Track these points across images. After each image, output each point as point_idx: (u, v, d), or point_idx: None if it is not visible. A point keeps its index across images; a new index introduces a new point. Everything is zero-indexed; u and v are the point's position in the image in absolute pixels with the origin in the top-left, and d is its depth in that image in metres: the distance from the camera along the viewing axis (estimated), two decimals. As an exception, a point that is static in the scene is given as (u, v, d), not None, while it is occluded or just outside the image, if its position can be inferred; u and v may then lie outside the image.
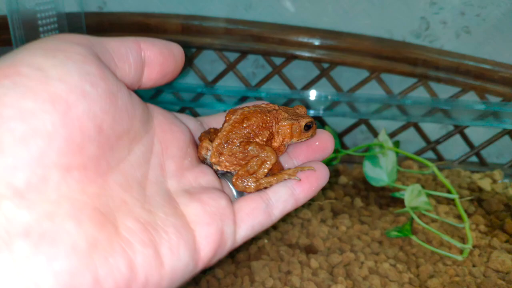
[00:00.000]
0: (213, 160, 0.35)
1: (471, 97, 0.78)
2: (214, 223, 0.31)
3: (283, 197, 0.34)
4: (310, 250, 0.56)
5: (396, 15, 0.77)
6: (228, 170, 0.36)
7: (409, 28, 0.78)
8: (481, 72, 0.75)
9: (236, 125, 0.35)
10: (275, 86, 0.83)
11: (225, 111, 0.39)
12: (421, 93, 0.79)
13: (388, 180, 0.68)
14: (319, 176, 0.36)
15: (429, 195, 0.67)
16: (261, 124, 0.36)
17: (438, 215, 0.64)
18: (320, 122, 0.83)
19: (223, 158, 0.35)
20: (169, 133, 0.33)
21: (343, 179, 0.73)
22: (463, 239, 0.59)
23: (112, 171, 0.27)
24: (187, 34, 0.79)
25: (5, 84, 0.23)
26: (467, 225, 0.59)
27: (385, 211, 0.65)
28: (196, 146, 0.36)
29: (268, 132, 0.36)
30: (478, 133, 0.81)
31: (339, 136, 0.84)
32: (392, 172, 0.68)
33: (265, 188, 0.35)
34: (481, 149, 0.81)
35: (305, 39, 0.77)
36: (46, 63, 0.25)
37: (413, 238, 0.58)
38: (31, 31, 0.71)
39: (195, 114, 0.86)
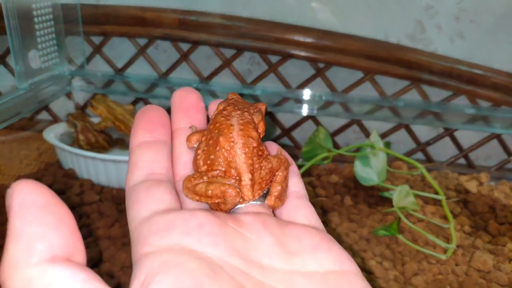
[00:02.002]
0: (251, 197, 0.30)
1: (462, 101, 0.80)
2: (331, 243, 0.30)
3: (299, 184, 0.35)
4: (299, 246, 0.58)
5: (392, 17, 0.78)
6: (258, 195, 0.32)
7: (404, 31, 0.79)
8: (473, 77, 0.77)
9: (246, 149, 0.31)
10: (270, 84, 0.84)
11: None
12: (413, 95, 0.80)
13: (378, 180, 0.69)
14: (283, 149, 0.36)
15: (417, 196, 0.69)
16: (256, 133, 0.32)
17: (425, 215, 0.65)
18: (313, 122, 0.84)
19: (255, 188, 0.31)
20: (215, 240, 0.26)
21: (334, 178, 0.74)
22: (447, 239, 0.61)
23: None
24: (184, 28, 0.80)
25: None
26: (452, 225, 0.61)
27: (374, 210, 0.66)
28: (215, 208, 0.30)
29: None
30: (467, 136, 0.83)
31: (332, 136, 0.85)
32: (382, 172, 0.69)
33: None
34: (469, 151, 0.83)
35: (301, 38, 0.78)
36: None
37: (400, 237, 0.59)
38: (26, 21, 0.71)
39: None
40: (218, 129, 0.31)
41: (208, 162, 0.31)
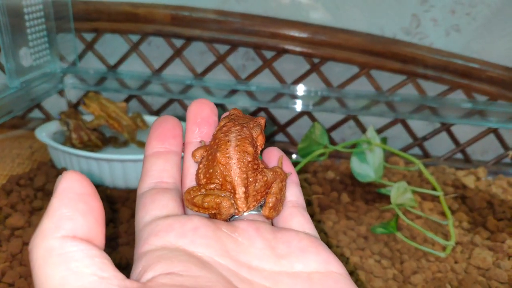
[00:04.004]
0: (245, 208, 0.33)
1: (458, 95, 0.79)
2: (320, 247, 0.31)
3: (297, 192, 0.36)
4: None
5: (388, 11, 0.77)
6: (255, 207, 0.34)
7: (400, 25, 0.78)
8: (469, 71, 0.76)
9: (241, 163, 0.33)
10: (265, 79, 0.83)
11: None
12: (409, 90, 0.80)
13: (375, 176, 0.68)
14: (285, 157, 0.37)
15: (414, 192, 0.68)
16: (254, 148, 0.34)
17: (423, 212, 0.65)
18: (309, 117, 0.84)
19: (249, 200, 0.33)
20: (208, 240, 0.29)
21: (330, 174, 0.74)
22: (446, 236, 0.60)
23: None
24: (176, 24, 0.79)
25: None
26: (451, 222, 0.60)
27: (371, 207, 0.66)
28: (212, 216, 0.32)
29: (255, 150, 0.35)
30: (464, 131, 0.82)
31: (328, 131, 0.84)
32: (378, 168, 0.69)
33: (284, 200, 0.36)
34: (466, 146, 0.82)
35: (296, 34, 0.77)
36: None
37: (398, 234, 0.59)
38: (16, 19, 0.70)
39: (184, 106, 0.86)
40: (217, 145, 0.33)
41: (207, 175, 0.33)
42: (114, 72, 0.85)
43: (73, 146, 0.73)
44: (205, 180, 0.33)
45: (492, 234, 0.61)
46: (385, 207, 0.65)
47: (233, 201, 0.32)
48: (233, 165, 0.33)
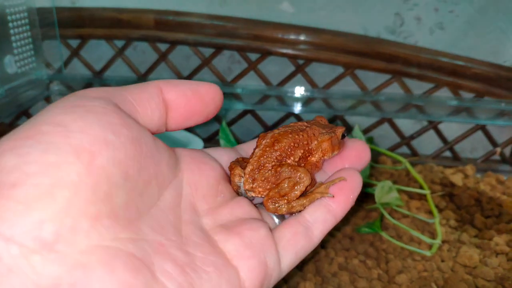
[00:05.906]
0: (247, 186, 0.34)
1: (444, 93, 0.79)
2: (256, 255, 0.30)
3: (320, 217, 0.34)
4: (281, 247, 0.56)
5: (371, 11, 0.77)
6: (263, 196, 0.35)
7: (383, 24, 0.78)
8: (455, 69, 0.76)
9: (267, 149, 0.35)
10: (251, 81, 0.83)
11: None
12: (395, 89, 0.79)
13: (361, 175, 0.68)
14: (352, 186, 0.35)
15: (401, 191, 0.68)
16: (292, 144, 0.35)
17: (410, 211, 0.64)
18: (296, 119, 0.83)
19: (256, 183, 0.34)
20: (197, 173, 0.32)
21: (317, 175, 0.73)
22: (433, 234, 0.60)
23: (144, 216, 0.27)
24: (161, 29, 0.79)
25: (28, 143, 0.23)
26: (437, 220, 0.60)
27: (357, 207, 0.65)
28: (229, 180, 0.35)
29: (302, 151, 0.36)
30: (451, 129, 0.82)
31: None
32: (365, 168, 0.68)
33: (299, 211, 0.34)
34: (454, 144, 0.82)
35: (279, 35, 0.77)
36: (66, 118, 0.25)
37: (384, 234, 0.58)
38: (0, 26, 0.70)
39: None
40: None
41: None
42: (100, 78, 0.85)
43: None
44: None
45: (479, 231, 0.61)
46: (371, 207, 0.64)
47: (242, 174, 0.35)
48: (260, 146, 0.36)
